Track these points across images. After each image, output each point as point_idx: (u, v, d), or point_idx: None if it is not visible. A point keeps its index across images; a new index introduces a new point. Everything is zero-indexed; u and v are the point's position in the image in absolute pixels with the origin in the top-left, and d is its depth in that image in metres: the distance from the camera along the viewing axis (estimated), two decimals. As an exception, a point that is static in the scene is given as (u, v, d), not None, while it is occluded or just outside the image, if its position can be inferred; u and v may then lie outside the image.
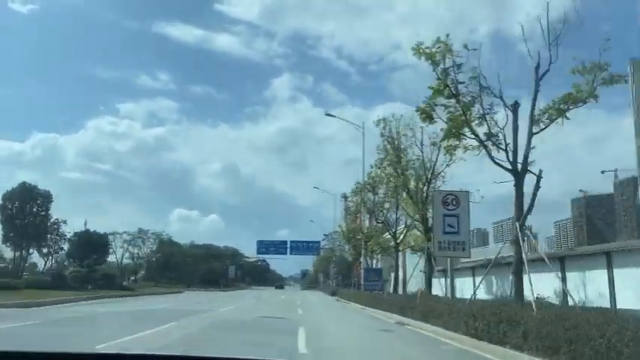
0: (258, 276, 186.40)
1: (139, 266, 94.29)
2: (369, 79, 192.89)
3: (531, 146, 12.39)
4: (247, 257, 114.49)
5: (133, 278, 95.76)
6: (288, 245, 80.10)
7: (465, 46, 12.86)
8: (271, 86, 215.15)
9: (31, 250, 50.34)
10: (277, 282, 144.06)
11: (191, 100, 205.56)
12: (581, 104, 12.19)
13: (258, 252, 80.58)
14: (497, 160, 12.73)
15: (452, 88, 12.98)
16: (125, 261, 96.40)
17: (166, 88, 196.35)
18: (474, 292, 15.57)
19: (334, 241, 64.35)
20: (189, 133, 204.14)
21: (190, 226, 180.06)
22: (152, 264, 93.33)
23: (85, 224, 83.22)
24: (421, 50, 13.27)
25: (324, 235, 65.42)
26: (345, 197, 42.69)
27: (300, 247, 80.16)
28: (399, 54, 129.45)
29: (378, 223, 28.26)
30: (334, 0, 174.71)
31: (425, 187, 21.61)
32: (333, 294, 55.66)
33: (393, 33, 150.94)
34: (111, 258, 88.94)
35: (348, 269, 71.39)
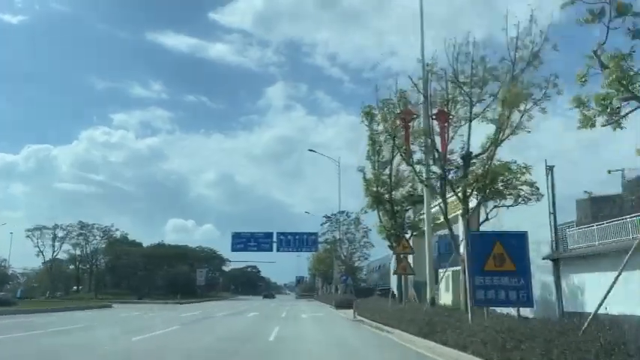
0: (248, 284, 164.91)
1: (81, 272, 71.93)
2: (364, 86, 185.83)
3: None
4: (228, 260, 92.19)
5: (75, 288, 73.93)
6: (275, 238, 58.11)
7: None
8: (265, 95, 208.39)
9: None
10: (267, 290, 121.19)
11: (185, 109, 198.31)
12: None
13: (234, 248, 58.51)
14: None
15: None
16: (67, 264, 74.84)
17: (160, 97, 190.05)
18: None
19: (339, 225, 42.35)
20: (183, 143, 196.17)
21: (186, 236, 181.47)
22: (97, 269, 71.03)
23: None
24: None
25: (325, 217, 42.60)
26: (368, 113, 21.03)
27: (291, 242, 58.24)
28: (394, 60, 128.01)
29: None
30: (328, 7, 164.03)
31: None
32: (342, 306, 34.04)
33: (387, 39, 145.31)
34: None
35: (353, 272, 50.01)
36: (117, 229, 70.29)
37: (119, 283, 74.40)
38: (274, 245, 57.95)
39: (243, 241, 58.34)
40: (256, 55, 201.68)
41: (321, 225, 42.70)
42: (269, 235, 58.47)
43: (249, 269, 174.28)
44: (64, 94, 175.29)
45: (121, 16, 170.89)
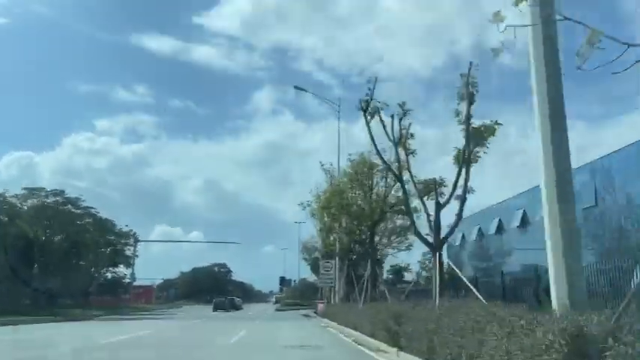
0: (216, 288, 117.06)
1: None
2: (352, 91, 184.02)
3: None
4: (133, 233, 46.58)
5: None
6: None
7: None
8: (252, 99, 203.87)
9: None
10: (225, 295, 73.85)
11: (171, 114, 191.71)
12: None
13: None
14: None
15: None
16: None
17: (145, 102, 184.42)
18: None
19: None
20: (169, 149, 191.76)
21: (174, 244, 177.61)
22: None
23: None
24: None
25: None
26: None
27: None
28: (382, 66, 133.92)
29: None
30: (315, 12, 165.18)
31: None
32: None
33: (374, 45, 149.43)
34: None
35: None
36: None
37: None
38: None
39: None
40: (243, 59, 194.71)
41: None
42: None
43: (216, 268, 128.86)
44: (46, 99, 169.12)
45: (104, 18, 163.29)
